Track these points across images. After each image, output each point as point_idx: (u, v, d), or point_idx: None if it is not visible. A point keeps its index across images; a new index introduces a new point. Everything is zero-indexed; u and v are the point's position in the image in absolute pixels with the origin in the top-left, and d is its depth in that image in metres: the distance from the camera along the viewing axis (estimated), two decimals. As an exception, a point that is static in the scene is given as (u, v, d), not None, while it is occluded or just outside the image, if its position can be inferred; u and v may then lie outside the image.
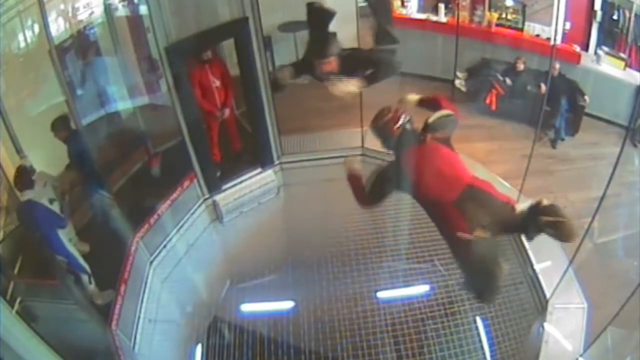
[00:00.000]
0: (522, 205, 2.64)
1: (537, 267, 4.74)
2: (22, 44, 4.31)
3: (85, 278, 4.31)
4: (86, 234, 4.51)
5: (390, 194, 3.02)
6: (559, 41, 6.32)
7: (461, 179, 2.79)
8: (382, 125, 2.90)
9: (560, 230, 2.44)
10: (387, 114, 2.91)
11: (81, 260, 4.27)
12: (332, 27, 7.99)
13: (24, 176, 3.96)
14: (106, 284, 4.51)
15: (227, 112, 5.71)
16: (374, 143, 6.11)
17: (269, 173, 6.06)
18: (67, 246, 4.15)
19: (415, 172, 2.79)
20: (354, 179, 3.12)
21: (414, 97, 3.15)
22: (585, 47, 6.60)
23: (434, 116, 2.87)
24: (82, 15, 4.86)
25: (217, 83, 5.53)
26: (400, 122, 2.86)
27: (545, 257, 4.80)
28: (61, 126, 4.31)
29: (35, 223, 4.00)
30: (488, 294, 3.09)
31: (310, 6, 3.80)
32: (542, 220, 2.45)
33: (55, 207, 4.16)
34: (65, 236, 4.17)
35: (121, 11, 5.33)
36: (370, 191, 3.03)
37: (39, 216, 4.00)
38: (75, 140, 4.42)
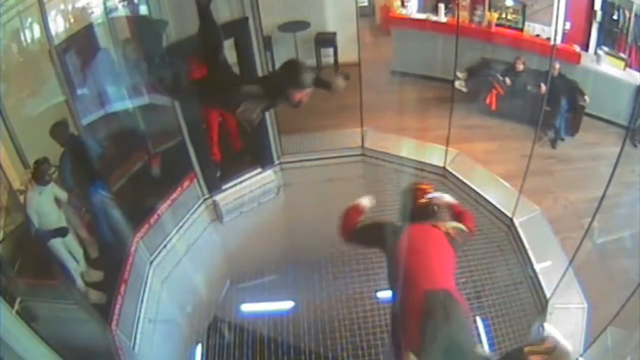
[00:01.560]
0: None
1: (537, 267, 4.74)
2: (22, 44, 4.31)
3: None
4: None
5: (371, 247, 3.09)
6: (559, 41, 6.32)
7: (449, 276, 2.64)
8: (413, 189, 2.97)
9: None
10: (424, 184, 3.03)
11: (71, 267, 4.26)
12: (332, 27, 8.05)
13: (44, 170, 3.95)
14: (106, 284, 4.51)
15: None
16: (373, 143, 6.17)
17: (269, 173, 6.05)
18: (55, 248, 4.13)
19: (415, 246, 2.67)
20: (354, 211, 3.07)
21: (448, 198, 3.15)
22: (585, 47, 6.60)
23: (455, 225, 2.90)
24: (82, 15, 4.86)
25: None
26: (430, 196, 2.92)
27: (545, 257, 4.80)
28: (60, 132, 4.29)
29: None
30: None
31: None
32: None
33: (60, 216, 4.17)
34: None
35: (121, 11, 5.33)
36: (361, 230, 2.98)
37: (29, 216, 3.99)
38: (73, 145, 4.39)
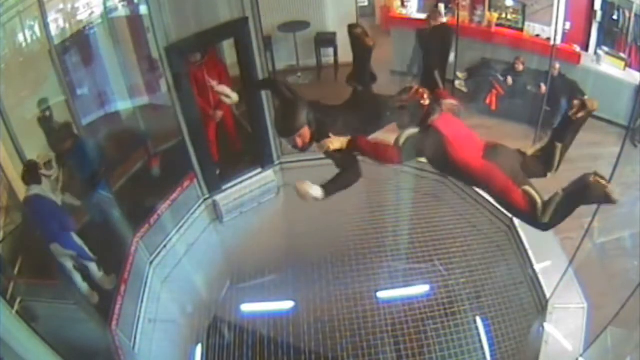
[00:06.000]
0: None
1: (537, 267, 4.74)
2: (22, 44, 4.32)
3: (93, 266, 4.33)
4: (86, 234, 4.51)
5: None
6: (559, 41, 6.32)
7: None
8: (409, 99, 3.07)
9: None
10: (410, 89, 3.07)
11: (87, 250, 4.29)
12: (332, 27, 8.02)
13: (32, 170, 3.96)
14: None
15: (219, 114, 5.66)
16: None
17: (269, 173, 6.05)
18: (74, 240, 4.16)
19: (450, 136, 2.94)
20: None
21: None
22: (585, 47, 6.59)
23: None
24: (82, 15, 4.86)
25: (213, 83, 5.52)
26: (426, 97, 3.01)
27: (545, 257, 4.80)
28: (66, 135, 4.30)
29: (42, 219, 3.98)
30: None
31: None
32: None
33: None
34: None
35: (121, 11, 5.34)
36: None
37: (46, 212, 3.99)
38: (79, 146, 4.42)
